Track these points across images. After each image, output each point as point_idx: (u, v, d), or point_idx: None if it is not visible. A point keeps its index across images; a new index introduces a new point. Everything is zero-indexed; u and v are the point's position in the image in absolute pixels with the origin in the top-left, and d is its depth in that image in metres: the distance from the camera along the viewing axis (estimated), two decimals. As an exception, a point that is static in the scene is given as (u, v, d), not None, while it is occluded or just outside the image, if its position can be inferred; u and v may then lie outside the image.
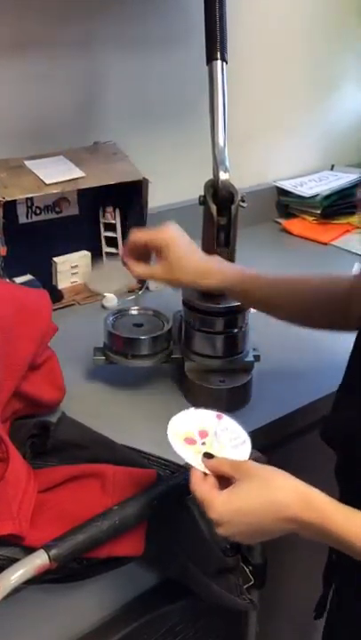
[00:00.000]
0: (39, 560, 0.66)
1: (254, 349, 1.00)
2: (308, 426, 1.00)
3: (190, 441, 0.72)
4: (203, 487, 0.66)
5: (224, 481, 0.67)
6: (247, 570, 0.93)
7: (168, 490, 0.75)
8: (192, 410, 0.76)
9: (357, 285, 0.86)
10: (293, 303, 0.90)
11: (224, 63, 1.00)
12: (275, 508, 0.64)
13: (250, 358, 0.99)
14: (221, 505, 0.65)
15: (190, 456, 0.69)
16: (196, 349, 0.98)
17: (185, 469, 0.79)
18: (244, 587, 0.88)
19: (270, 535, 0.67)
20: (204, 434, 0.73)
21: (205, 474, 0.68)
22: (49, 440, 0.81)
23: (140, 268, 0.90)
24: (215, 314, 0.97)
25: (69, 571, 0.72)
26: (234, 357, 0.98)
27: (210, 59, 1.00)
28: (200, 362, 0.98)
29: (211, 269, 0.88)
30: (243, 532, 0.66)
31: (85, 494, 0.75)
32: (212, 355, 0.97)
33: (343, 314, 0.86)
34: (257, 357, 0.99)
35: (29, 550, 0.68)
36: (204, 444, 0.72)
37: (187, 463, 0.69)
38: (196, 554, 0.80)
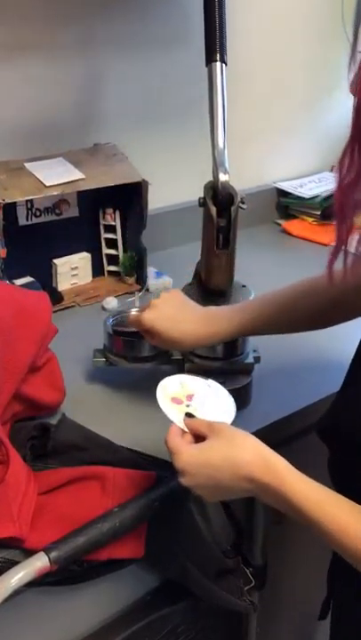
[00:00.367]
0: (39, 562, 0.66)
1: (254, 351, 1.00)
2: (309, 427, 1.00)
3: (177, 401, 0.75)
4: (176, 439, 0.70)
5: (201, 440, 0.70)
6: (248, 571, 0.93)
7: (168, 492, 0.75)
8: (185, 375, 0.80)
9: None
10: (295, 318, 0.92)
11: (223, 65, 1.00)
12: (234, 465, 0.66)
13: (250, 360, 0.99)
14: (187, 455, 0.68)
15: (173, 413, 0.73)
16: (196, 351, 0.98)
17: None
18: (245, 588, 0.88)
19: (230, 493, 0.69)
20: (190, 397, 0.76)
21: (184, 432, 0.71)
22: (49, 442, 0.81)
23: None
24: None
25: (70, 573, 0.73)
26: (234, 359, 0.98)
27: (209, 60, 1.00)
28: (200, 363, 0.98)
29: (206, 333, 0.90)
30: (203, 485, 0.68)
31: (86, 496, 0.74)
32: (212, 356, 0.97)
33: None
34: (257, 359, 0.99)
35: (30, 553, 0.68)
36: (188, 406, 0.75)
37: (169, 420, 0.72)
38: (197, 555, 0.80)
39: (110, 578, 0.78)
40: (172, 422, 0.72)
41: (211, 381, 0.80)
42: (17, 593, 0.66)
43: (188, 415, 0.73)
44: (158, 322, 0.89)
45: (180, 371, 0.99)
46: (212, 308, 0.93)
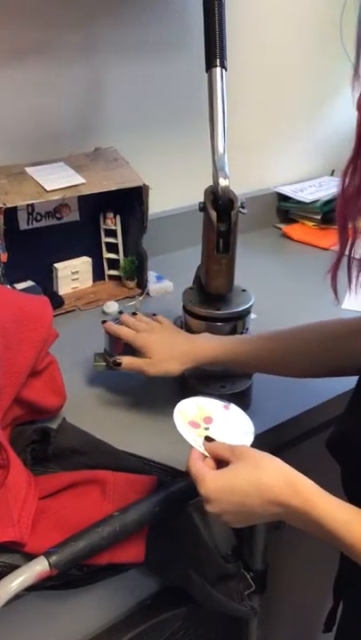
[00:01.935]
0: (39, 567, 0.66)
1: None
2: (309, 432, 1.00)
3: (195, 424, 0.74)
4: (198, 465, 0.68)
5: (222, 465, 0.69)
6: (248, 576, 0.93)
7: (169, 496, 0.75)
8: (200, 397, 0.78)
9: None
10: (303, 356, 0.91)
11: (223, 70, 1.00)
12: (261, 490, 0.65)
13: None
14: (211, 481, 0.66)
15: (192, 437, 0.71)
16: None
17: (185, 476, 0.80)
18: (245, 593, 0.88)
19: (257, 518, 0.68)
20: (208, 420, 0.75)
21: (205, 456, 0.70)
22: (49, 446, 0.81)
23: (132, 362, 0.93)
24: (216, 319, 0.97)
25: (70, 577, 0.72)
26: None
27: (209, 66, 1.00)
28: (201, 368, 0.98)
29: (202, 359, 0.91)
30: (229, 511, 0.67)
31: (86, 501, 0.75)
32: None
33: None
34: None
35: (30, 557, 0.68)
36: (207, 429, 0.74)
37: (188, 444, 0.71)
38: (197, 560, 0.80)
39: (111, 582, 0.78)
40: (191, 447, 0.70)
41: (227, 403, 0.79)
42: (17, 597, 0.66)
43: (208, 439, 0.72)
44: (153, 342, 0.91)
45: (181, 375, 0.99)
46: (206, 336, 0.94)
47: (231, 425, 0.75)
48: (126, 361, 0.93)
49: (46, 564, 0.66)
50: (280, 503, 0.65)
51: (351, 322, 0.88)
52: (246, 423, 0.76)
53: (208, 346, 0.91)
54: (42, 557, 0.66)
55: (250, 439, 0.74)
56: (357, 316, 0.88)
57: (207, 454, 0.70)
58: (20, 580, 0.65)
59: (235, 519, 0.68)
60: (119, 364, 0.93)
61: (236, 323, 0.98)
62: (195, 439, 0.71)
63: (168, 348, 0.90)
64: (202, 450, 0.70)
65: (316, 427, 1.02)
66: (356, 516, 0.63)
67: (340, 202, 0.69)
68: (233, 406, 0.79)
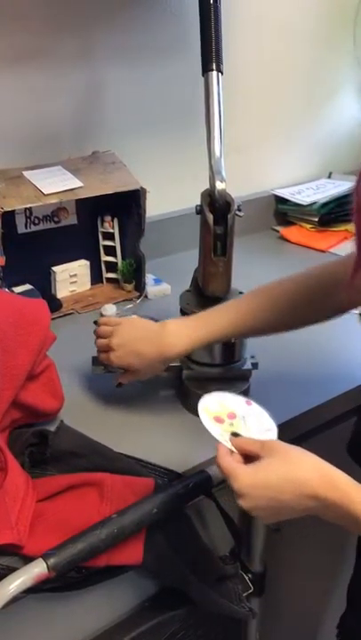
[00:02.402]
0: (38, 569, 0.66)
1: (252, 357, 1.00)
2: (306, 433, 1.01)
3: (219, 420, 0.73)
4: (227, 459, 0.68)
5: (249, 460, 0.68)
6: (246, 577, 0.93)
7: (166, 498, 0.75)
8: (223, 393, 0.78)
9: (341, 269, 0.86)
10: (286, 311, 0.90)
11: (220, 74, 1.01)
12: (296, 484, 0.65)
13: (248, 366, 0.99)
14: (245, 476, 0.66)
15: (218, 432, 0.71)
16: (194, 357, 0.98)
17: (183, 478, 0.80)
18: (244, 594, 0.88)
19: (290, 513, 0.67)
20: (232, 416, 0.75)
21: (232, 451, 0.69)
22: (47, 449, 0.81)
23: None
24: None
25: (68, 580, 0.73)
26: (231, 365, 0.99)
27: (205, 70, 1.01)
28: (198, 370, 0.98)
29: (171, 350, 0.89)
30: (263, 507, 0.66)
31: (84, 503, 0.75)
32: (210, 363, 0.98)
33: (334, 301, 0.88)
34: (255, 365, 1.00)
35: (28, 559, 0.68)
36: (231, 424, 0.73)
37: (214, 439, 0.71)
38: (196, 562, 0.80)
39: (109, 584, 0.78)
40: (218, 442, 0.70)
41: (249, 399, 0.79)
42: (15, 600, 0.66)
43: (234, 434, 0.72)
44: (127, 358, 0.90)
45: (178, 378, 1.00)
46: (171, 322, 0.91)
47: (254, 421, 0.75)
48: (123, 380, 0.94)
49: (44, 566, 0.66)
50: (316, 497, 0.64)
51: (337, 269, 0.87)
52: (268, 420, 0.76)
53: (176, 344, 0.89)
54: (40, 560, 0.67)
55: (274, 435, 0.74)
56: (342, 262, 0.87)
57: (235, 449, 0.70)
58: (18, 582, 0.65)
59: (267, 514, 0.68)
60: (121, 385, 0.96)
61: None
62: (221, 434, 0.71)
63: (142, 360, 0.90)
64: (229, 445, 0.70)
65: (315, 428, 1.02)
66: None
67: (358, 205, 0.68)
68: (255, 403, 0.79)
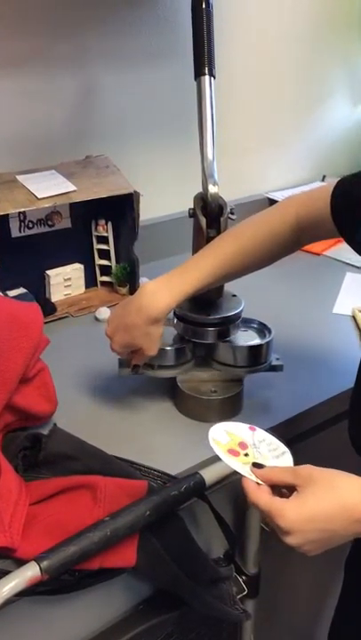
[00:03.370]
0: (31, 572, 0.66)
1: (277, 359, 1.00)
2: (299, 436, 1.01)
3: (233, 452, 0.71)
4: (264, 496, 0.65)
5: (276, 490, 0.66)
6: (241, 580, 0.94)
7: (160, 501, 0.75)
8: (225, 423, 0.75)
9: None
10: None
11: (212, 78, 1.01)
12: (346, 510, 0.62)
13: (276, 362, 0.99)
14: (291, 512, 0.63)
15: (239, 466, 0.68)
16: (219, 358, 0.99)
17: (176, 481, 0.80)
18: (238, 597, 0.89)
19: (340, 540, 0.65)
20: (243, 445, 0.72)
21: (258, 483, 0.66)
22: (41, 452, 0.81)
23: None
24: (206, 324, 0.97)
25: (62, 583, 0.73)
26: (226, 368, 0.99)
27: (198, 74, 1.01)
28: (192, 372, 0.99)
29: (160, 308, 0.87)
30: (314, 540, 0.63)
31: (77, 506, 0.75)
32: (234, 364, 0.98)
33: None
34: (280, 366, 0.99)
35: (21, 562, 0.68)
36: (246, 454, 0.71)
37: (237, 473, 0.68)
38: (189, 564, 0.80)
39: (103, 587, 0.78)
40: (243, 477, 0.67)
41: (251, 425, 0.77)
42: (9, 603, 0.66)
43: (256, 465, 0.69)
44: (127, 339, 0.88)
45: (172, 380, 1.00)
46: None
47: (266, 447, 0.73)
48: (136, 361, 0.93)
49: (37, 569, 0.66)
50: None
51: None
52: (277, 442, 0.74)
53: (157, 300, 0.86)
54: (33, 563, 0.67)
55: (289, 457, 0.71)
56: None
57: (261, 482, 0.67)
58: (11, 585, 0.65)
59: (316, 547, 0.65)
60: (136, 370, 0.96)
61: (226, 327, 0.98)
62: (242, 468, 0.68)
63: (134, 333, 0.87)
64: (253, 477, 0.67)
65: (309, 430, 1.02)
66: None
67: None
68: (257, 428, 0.76)
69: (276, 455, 0.71)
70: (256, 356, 0.98)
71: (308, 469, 0.65)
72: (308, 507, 0.63)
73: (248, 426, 0.76)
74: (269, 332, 1.00)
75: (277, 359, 1.00)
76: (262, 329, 1.02)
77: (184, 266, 0.89)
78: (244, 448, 0.72)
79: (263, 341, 0.98)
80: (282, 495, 0.67)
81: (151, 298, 0.86)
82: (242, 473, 0.68)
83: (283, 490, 0.67)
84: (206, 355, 1.00)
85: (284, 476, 0.66)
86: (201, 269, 0.88)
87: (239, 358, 0.97)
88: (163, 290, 0.86)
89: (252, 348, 0.97)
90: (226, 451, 0.70)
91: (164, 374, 0.98)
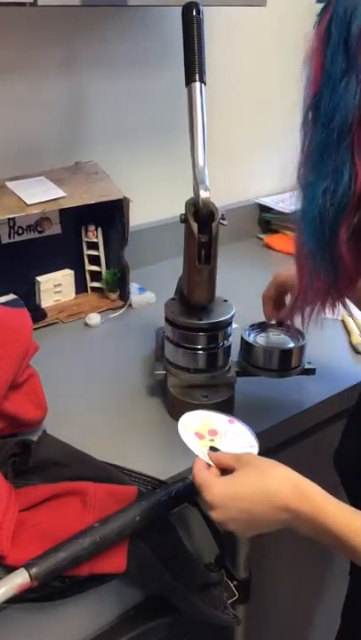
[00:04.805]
0: (20, 579, 0.66)
1: (309, 362, 1.01)
2: (290, 440, 1.01)
3: (200, 436, 0.75)
4: (203, 472, 0.69)
5: (227, 474, 0.69)
6: (232, 585, 0.93)
7: (150, 506, 0.75)
8: (205, 411, 0.79)
9: None
10: None
11: (203, 85, 1.02)
12: (267, 495, 0.65)
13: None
14: (217, 488, 0.67)
15: (197, 447, 0.72)
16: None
17: (166, 486, 0.80)
18: (229, 602, 0.88)
19: (264, 526, 0.67)
20: (213, 432, 0.76)
21: (209, 465, 0.70)
22: (30, 459, 0.81)
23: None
24: (197, 330, 0.98)
25: (52, 589, 0.72)
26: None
27: (188, 81, 1.02)
28: (183, 377, 0.99)
29: None
30: (236, 519, 0.67)
31: (67, 512, 0.75)
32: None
33: None
34: (312, 370, 1.01)
35: (11, 569, 0.68)
36: (212, 440, 0.74)
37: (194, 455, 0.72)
38: (179, 569, 0.80)
39: (93, 594, 0.78)
40: (196, 456, 0.71)
41: (232, 417, 0.80)
42: (-2, 610, 0.66)
43: (213, 449, 0.73)
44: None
45: (164, 385, 1.00)
46: None
47: (236, 438, 0.76)
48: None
49: (27, 575, 0.66)
50: (288, 509, 0.64)
51: None
52: (251, 437, 0.76)
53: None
54: (22, 569, 0.66)
55: (255, 451, 0.74)
56: None
57: (212, 463, 0.70)
58: (0, 592, 0.65)
59: (241, 527, 0.68)
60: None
61: (217, 332, 0.98)
62: (200, 449, 0.72)
63: None
64: (207, 459, 0.71)
65: (298, 434, 1.03)
66: None
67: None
68: (237, 421, 0.79)
69: (244, 447, 0.75)
70: (289, 360, 0.99)
71: (250, 456, 0.70)
72: (233, 485, 0.67)
73: (228, 418, 0.79)
74: (303, 336, 1.01)
75: (309, 363, 1.01)
76: (296, 334, 1.03)
77: None
78: (212, 435, 0.76)
79: (297, 345, 1.00)
80: None
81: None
82: (196, 453, 0.72)
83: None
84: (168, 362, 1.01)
85: (229, 459, 0.70)
86: None
87: (273, 362, 0.99)
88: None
89: (284, 351, 0.99)
90: (193, 433, 0.75)
91: (198, 378, 0.99)
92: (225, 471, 0.69)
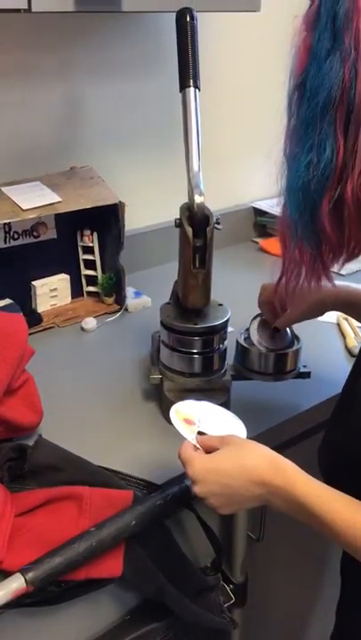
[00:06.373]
0: (16, 584, 0.66)
1: (304, 366, 1.02)
2: (285, 443, 1.01)
3: (189, 422, 0.78)
4: (188, 450, 0.73)
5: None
6: (228, 588, 0.94)
7: (145, 510, 0.75)
8: (200, 401, 0.83)
9: None
10: None
11: (197, 90, 1.02)
12: (244, 469, 0.69)
13: (304, 370, 1.02)
14: (198, 463, 0.71)
15: (185, 431, 0.76)
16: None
17: (162, 490, 0.80)
18: (225, 605, 0.89)
19: (244, 501, 0.71)
20: (202, 419, 0.79)
21: (196, 447, 0.74)
22: (26, 463, 0.81)
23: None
24: (193, 334, 0.98)
25: (48, 594, 0.72)
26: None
27: (183, 86, 1.02)
28: (178, 381, 0.99)
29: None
30: (215, 493, 0.70)
31: (63, 517, 0.75)
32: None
33: None
34: (307, 374, 1.02)
35: (7, 574, 0.68)
36: (200, 427, 0.78)
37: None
38: (176, 573, 0.80)
39: (89, 598, 0.78)
40: (185, 439, 0.75)
41: (223, 408, 0.84)
42: (-6, 615, 0.66)
43: (201, 433, 0.76)
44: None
45: (159, 389, 1.00)
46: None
47: (225, 425, 0.79)
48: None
49: (22, 580, 0.66)
50: (263, 483, 0.67)
51: None
52: (239, 424, 0.80)
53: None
54: (18, 574, 0.67)
55: (243, 437, 0.77)
56: None
57: (199, 446, 0.73)
58: (-4, 597, 0.65)
59: (220, 502, 0.71)
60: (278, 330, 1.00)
61: (213, 336, 0.99)
62: (188, 434, 0.76)
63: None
64: (195, 442, 0.74)
65: (294, 437, 1.03)
66: (340, 496, 0.65)
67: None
68: (228, 411, 0.83)
69: (230, 432, 0.78)
70: (284, 364, 1.01)
71: (232, 437, 0.74)
72: (213, 460, 0.71)
73: (220, 408, 0.84)
74: (298, 340, 1.03)
75: (305, 366, 1.02)
76: (292, 337, 1.04)
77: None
78: (202, 421, 0.79)
79: (292, 349, 1.01)
80: None
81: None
82: (184, 435, 0.75)
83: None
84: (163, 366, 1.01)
85: (214, 441, 0.74)
86: None
87: (268, 365, 1.00)
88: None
89: (280, 355, 1.00)
90: (182, 419, 0.78)
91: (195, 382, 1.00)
92: (211, 453, 0.73)
